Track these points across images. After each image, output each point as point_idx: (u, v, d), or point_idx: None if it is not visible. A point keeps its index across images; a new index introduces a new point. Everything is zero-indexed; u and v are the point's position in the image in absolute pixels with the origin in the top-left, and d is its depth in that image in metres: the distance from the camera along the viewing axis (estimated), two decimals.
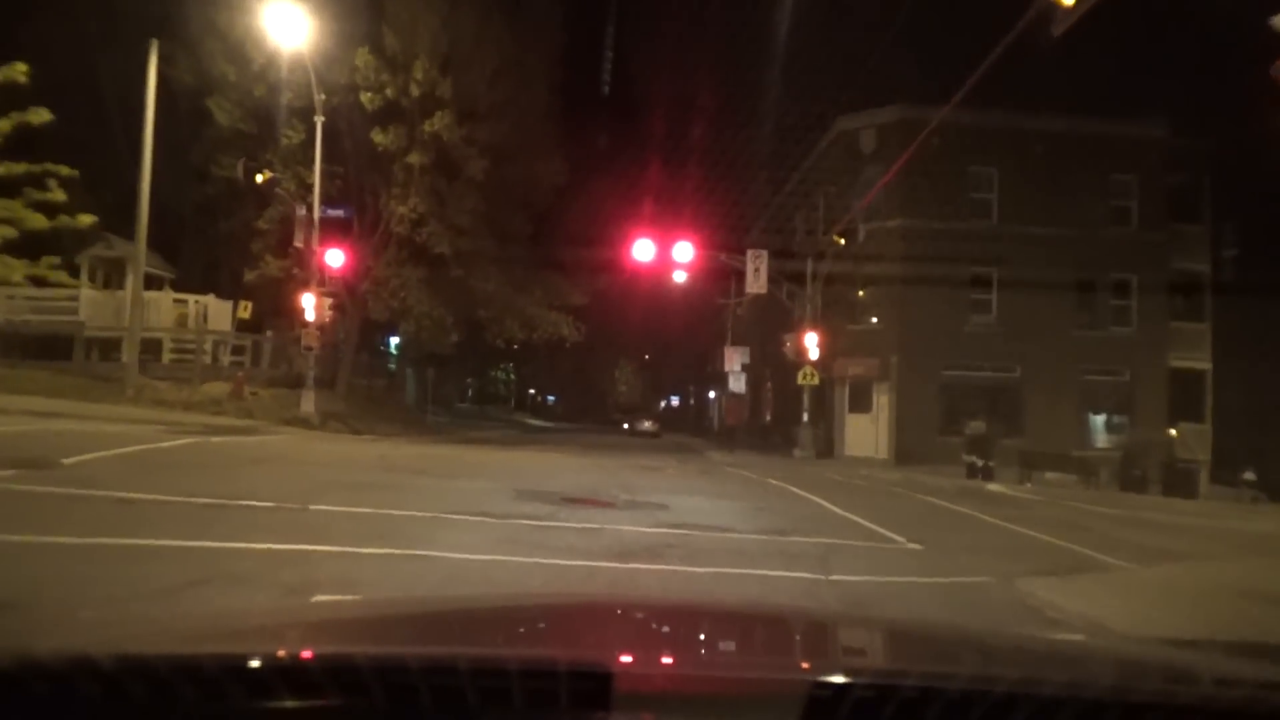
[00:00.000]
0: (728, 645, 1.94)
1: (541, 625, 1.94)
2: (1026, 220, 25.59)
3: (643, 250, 24.44)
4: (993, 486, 19.94)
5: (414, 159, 24.66)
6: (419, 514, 8.96)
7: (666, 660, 1.57)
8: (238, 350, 26.82)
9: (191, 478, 10.37)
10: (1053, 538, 11.24)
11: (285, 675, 1.17)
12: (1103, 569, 9.31)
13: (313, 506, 8.77)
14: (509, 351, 51.84)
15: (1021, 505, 15.96)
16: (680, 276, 39.52)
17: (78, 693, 1.12)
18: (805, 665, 1.60)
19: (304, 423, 22.72)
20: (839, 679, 1.23)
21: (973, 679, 1.26)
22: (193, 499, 8.68)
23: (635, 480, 14.65)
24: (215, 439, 15.39)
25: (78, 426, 15.50)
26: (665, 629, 2.03)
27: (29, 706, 1.12)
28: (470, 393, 65.62)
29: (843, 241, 23.57)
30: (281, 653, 1.30)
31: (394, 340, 39.63)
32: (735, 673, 1.47)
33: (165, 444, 13.68)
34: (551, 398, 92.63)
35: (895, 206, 25.15)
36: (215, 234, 27.42)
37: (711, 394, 61.57)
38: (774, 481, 16.63)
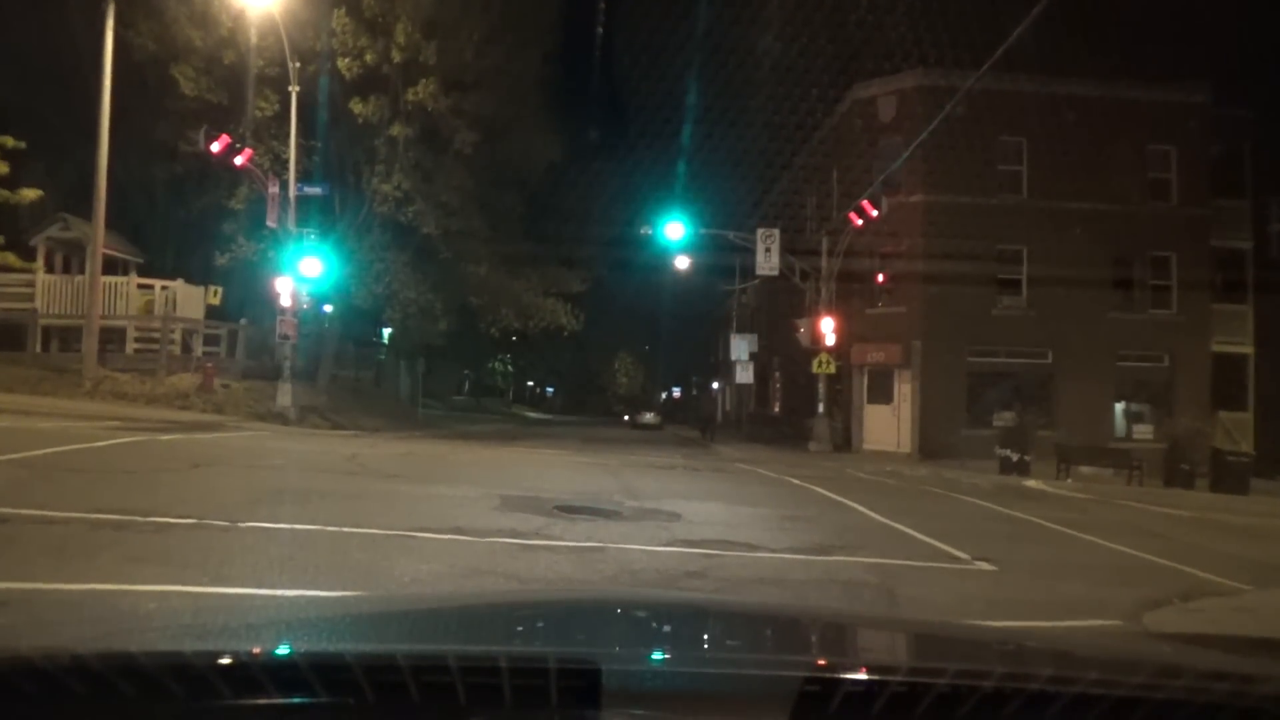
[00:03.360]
0: (718, 641, 1.89)
1: (532, 622, 1.89)
2: (1058, 194, 23.73)
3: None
4: (1031, 483, 18.25)
5: (397, 131, 22.81)
6: (377, 532, 7.21)
7: (656, 657, 1.54)
8: (211, 340, 25.01)
9: (108, 486, 8.58)
10: (1135, 549, 9.55)
11: (274, 673, 1.15)
12: (1221, 593, 7.59)
13: (243, 524, 7.03)
14: (506, 342, 50.06)
15: (1073, 506, 14.27)
16: (683, 262, 37.93)
17: (67, 691, 1.10)
18: (795, 661, 1.55)
19: (279, 417, 20.96)
20: (829, 674, 1.23)
21: (960, 673, 1.24)
22: (93, 515, 6.94)
23: (640, 482, 12.88)
24: (165, 437, 13.61)
25: (9, 424, 13.73)
26: (656, 626, 1.97)
27: (18, 705, 1.11)
28: (466, 385, 63.74)
29: (860, 223, 21.66)
30: (271, 650, 1.30)
31: (387, 331, 37.85)
32: (725, 669, 1.43)
33: (101, 443, 11.91)
34: (550, 390, 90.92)
35: (917, 180, 23.27)
36: (186, 215, 25.55)
37: (715, 385, 59.90)
38: (795, 481, 14.87)
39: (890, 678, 1.23)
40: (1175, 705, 1.22)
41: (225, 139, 18.69)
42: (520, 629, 1.85)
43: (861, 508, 11.39)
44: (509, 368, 71.52)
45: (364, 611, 2.14)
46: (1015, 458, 19.55)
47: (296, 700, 1.13)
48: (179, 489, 8.81)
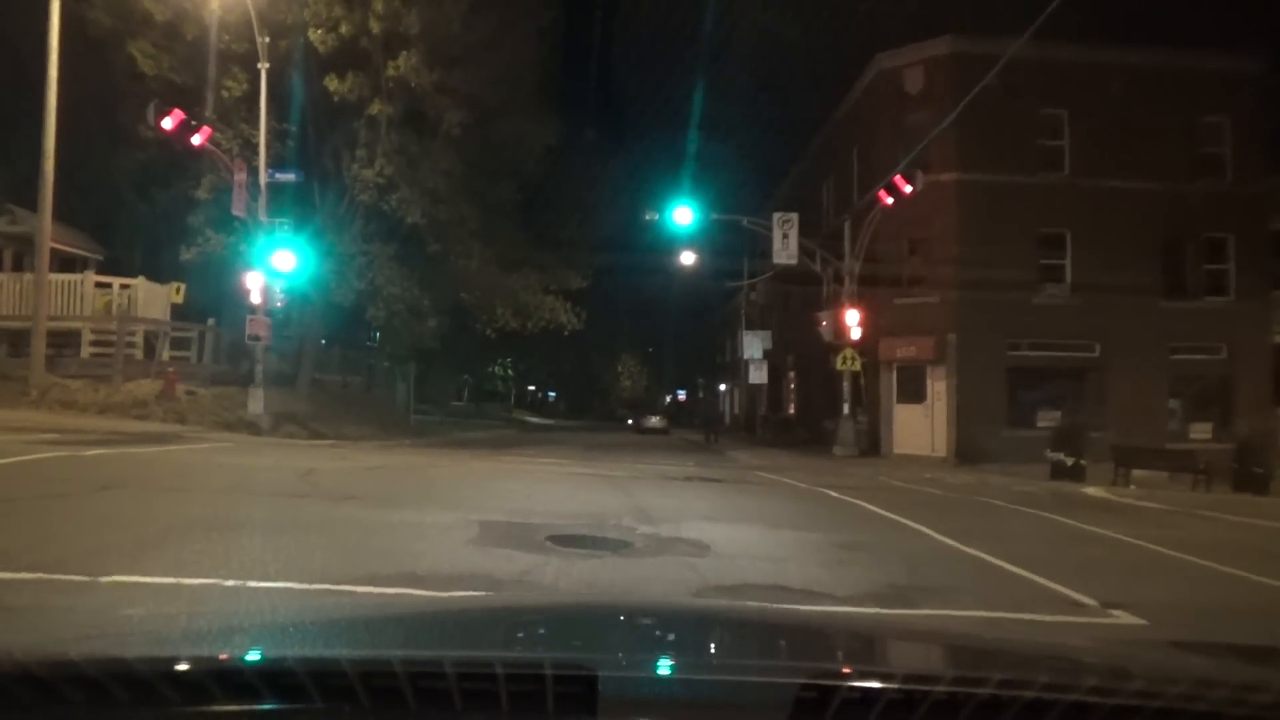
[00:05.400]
0: (716, 648, 1.86)
1: (529, 627, 1.90)
2: (1103, 172, 21.64)
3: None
4: (1091, 490, 16.20)
5: (377, 109, 20.82)
6: (294, 587, 5.20)
7: (653, 663, 1.51)
8: (181, 343, 23.00)
9: None
10: (1266, 577, 7.54)
11: (270, 678, 1.15)
12: None
13: (108, 578, 5.05)
14: (505, 344, 48.09)
15: (1156, 519, 12.25)
16: (689, 257, 35.95)
17: (60, 696, 1.11)
18: (792, 668, 1.52)
19: (250, 426, 18.98)
20: (825, 681, 1.22)
21: (956, 680, 1.25)
22: None
23: (653, 498, 10.81)
24: (92, 452, 11.58)
25: None
26: (653, 632, 1.96)
27: (12, 712, 1.11)
28: (466, 391, 61.71)
29: (891, 201, 19.56)
30: (266, 655, 1.30)
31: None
32: (722, 675, 1.41)
33: (4, 461, 9.91)
34: (552, 394, 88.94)
35: (949, 158, 21.19)
36: (152, 209, 23.59)
37: (723, 387, 57.85)
38: (832, 493, 12.81)
39: (887, 684, 1.22)
40: (1172, 713, 1.20)
41: (179, 115, 16.66)
42: (518, 634, 1.83)
43: (921, 527, 9.36)
44: (509, 372, 69.53)
45: (360, 616, 2.07)
46: (1069, 462, 17.48)
47: (292, 706, 1.12)
48: (56, 523, 6.78)
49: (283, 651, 1.34)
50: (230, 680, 1.13)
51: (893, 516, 10.20)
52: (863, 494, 12.74)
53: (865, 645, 2.00)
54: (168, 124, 16.33)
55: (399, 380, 36.63)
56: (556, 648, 1.64)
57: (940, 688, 1.18)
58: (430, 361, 38.08)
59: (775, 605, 5.41)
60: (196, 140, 17.28)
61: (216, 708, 1.12)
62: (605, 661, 1.33)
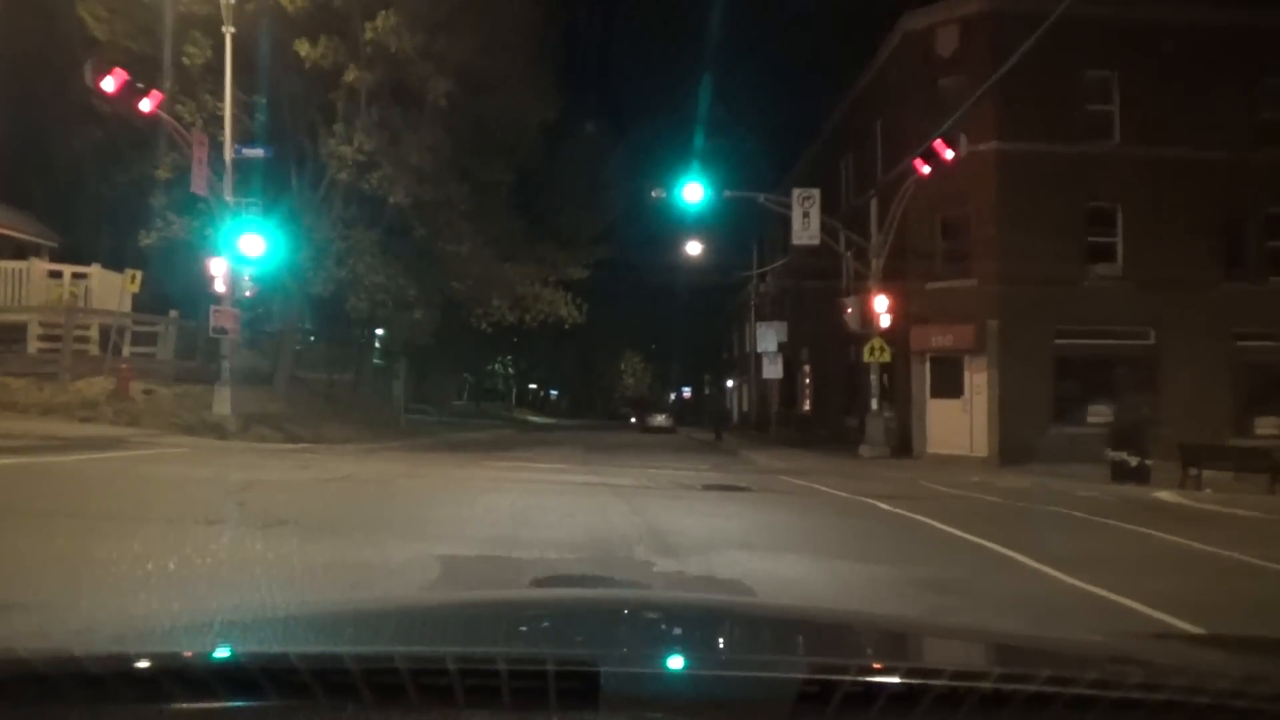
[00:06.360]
0: (719, 643, 1.84)
1: (532, 622, 1.86)
2: (1157, 140, 19.61)
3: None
4: (1164, 495, 14.21)
5: (353, 77, 18.84)
6: None
7: (656, 659, 1.49)
8: (146, 339, 21.06)
9: None
10: None
11: (273, 674, 1.12)
12: None
13: None
14: (505, 342, 46.06)
15: (1265, 531, 10.35)
16: (695, 247, 34.04)
17: (62, 693, 1.09)
18: (795, 662, 1.53)
19: (215, 429, 17.02)
20: (828, 676, 1.20)
21: (957, 674, 1.22)
22: None
23: (670, 516, 8.82)
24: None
25: None
26: (657, 627, 1.91)
27: (14, 708, 1.09)
28: (465, 390, 59.76)
29: (928, 171, 17.53)
30: (268, 651, 1.29)
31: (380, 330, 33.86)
32: (725, 671, 1.41)
33: None
34: (554, 392, 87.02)
35: (987, 126, 19.14)
36: (114, 191, 21.66)
37: (730, 383, 55.89)
38: (881, 504, 10.80)
39: (888, 679, 1.22)
40: (1173, 706, 1.18)
41: (121, 75, 14.70)
42: (521, 630, 1.79)
43: (1011, 552, 7.40)
44: (509, 370, 67.58)
45: (361, 612, 2.02)
46: (1133, 462, 15.49)
47: (295, 701, 1.11)
48: None
49: (285, 647, 1.29)
50: (233, 676, 1.12)
51: (969, 538, 8.21)
52: (915, 505, 10.76)
53: (869, 640, 1.91)
54: (108, 85, 14.39)
55: (393, 379, 34.70)
56: (559, 643, 1.62)
57: (942, 681, 1.16)
58: (427, 359, 36.20)
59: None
60: (146, 106, 15.32)
61: (219, 704, 1.10)
62: (607, 657, 1.32)
